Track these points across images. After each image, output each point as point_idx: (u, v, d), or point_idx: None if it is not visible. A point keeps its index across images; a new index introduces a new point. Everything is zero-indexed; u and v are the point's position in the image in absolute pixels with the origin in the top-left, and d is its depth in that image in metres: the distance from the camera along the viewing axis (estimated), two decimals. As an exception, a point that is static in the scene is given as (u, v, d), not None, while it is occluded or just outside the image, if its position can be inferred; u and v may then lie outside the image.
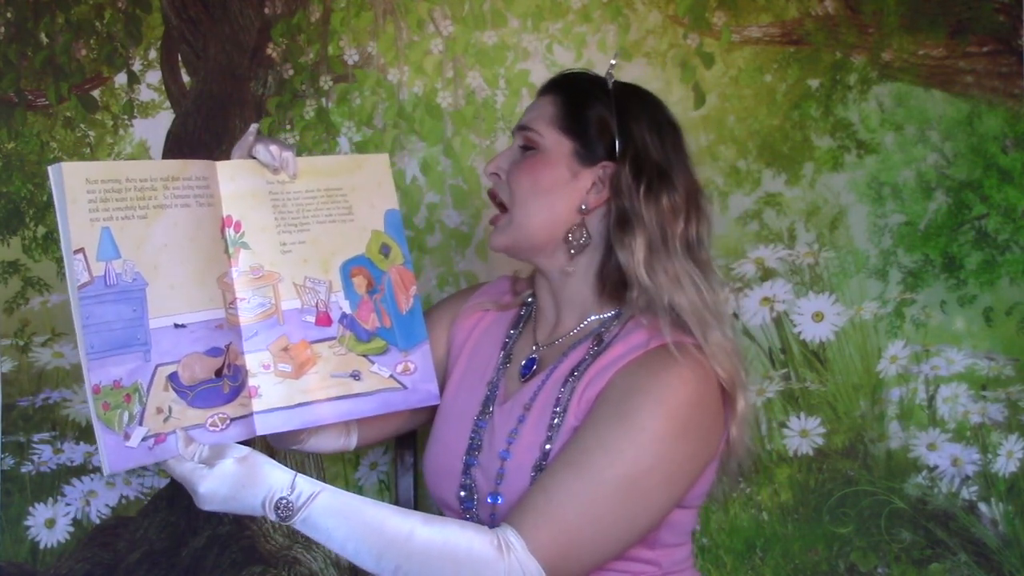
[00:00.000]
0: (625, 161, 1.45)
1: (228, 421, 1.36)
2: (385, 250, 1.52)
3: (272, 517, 1.26)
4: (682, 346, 1.37)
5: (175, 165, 1.38)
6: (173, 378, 1.32)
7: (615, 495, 1.30)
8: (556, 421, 1.41)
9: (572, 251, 1.47)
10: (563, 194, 1.46)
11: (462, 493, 1.47)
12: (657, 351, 1.38)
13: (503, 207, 1.51)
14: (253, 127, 1.44)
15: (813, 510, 2.02)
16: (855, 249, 2.01)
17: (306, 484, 1.27)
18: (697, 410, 1.35)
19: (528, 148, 1.49)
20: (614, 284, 1.47)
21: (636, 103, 1.49)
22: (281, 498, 1.25)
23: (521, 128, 1.51)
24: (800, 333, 2.02)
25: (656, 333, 1.40)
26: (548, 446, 1.39)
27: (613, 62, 1.53)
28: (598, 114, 1.47)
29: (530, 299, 1.61)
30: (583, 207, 1.46)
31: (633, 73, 1.96)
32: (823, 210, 2.01)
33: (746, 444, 1.45)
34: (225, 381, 1.36)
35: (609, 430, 1.32)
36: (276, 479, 1.26)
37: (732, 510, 2.02)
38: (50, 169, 1.28)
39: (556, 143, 1.47)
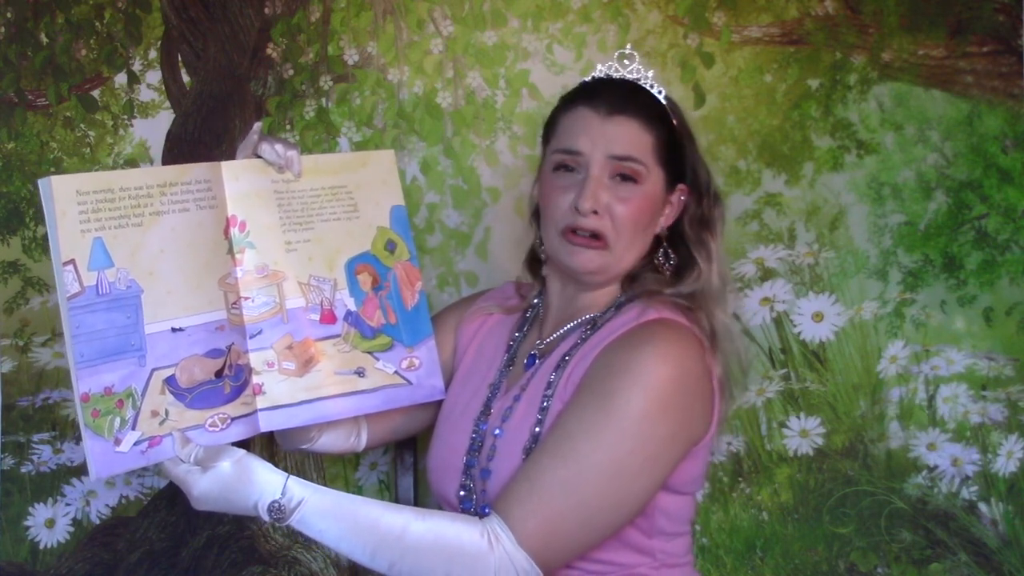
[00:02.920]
0: (690, 182, 1.53)
1: (229, 420, 1.36)
2: (391, 246, 1.52)
3: (265, 519, 1.29)
4: (665, 322, 1.41)
5: (173, 171, 1.39)
6: (170, 381, 1.34)
7: (599, 480, 1.32)
8: (546, 404, 1.43)
9: (669, 272, 1.52)
10: (654, 224, 1.51)
11: (462, 492, 1.48)
12: (640, 327, 1.41)
13: (599, 238, 1.48)
14: (256, 126, 1.44)
15: (813, 510, 2.02)
16: (855, 249, 2.01)
17: (297, 487, 1.30)
18: (679, 387, 1.37)
19: (626, 178, 1.47)
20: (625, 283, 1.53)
21: (684, 121, 1.55)
22: (273, 501, 1.28)
23: (624, 159, 1.45)
24: (800, 333, 2.02)
25: (642, 309, 1.43)
26: (537, 428, 1.41)
27: (650, 73, 1.55)
28: (674, 140, 1.51)
29: (536, 300, 1.62)
30: (660, 229, 1.52)
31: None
32: (823, 210, 2.01)
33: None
34: (226, 381, 1.37)
35: (590, 414, 1.34)
36: (268, 482, 1.29)
37: (732, 510, 2.02)
38: (39, 183, 1.29)
39: (657, 177, 1.48)
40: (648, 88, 1.53)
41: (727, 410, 1.49)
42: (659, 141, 1.48)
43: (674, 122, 1.51)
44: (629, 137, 1.46)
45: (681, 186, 1.51)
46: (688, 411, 1.39)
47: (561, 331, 1.52)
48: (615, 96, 1.49)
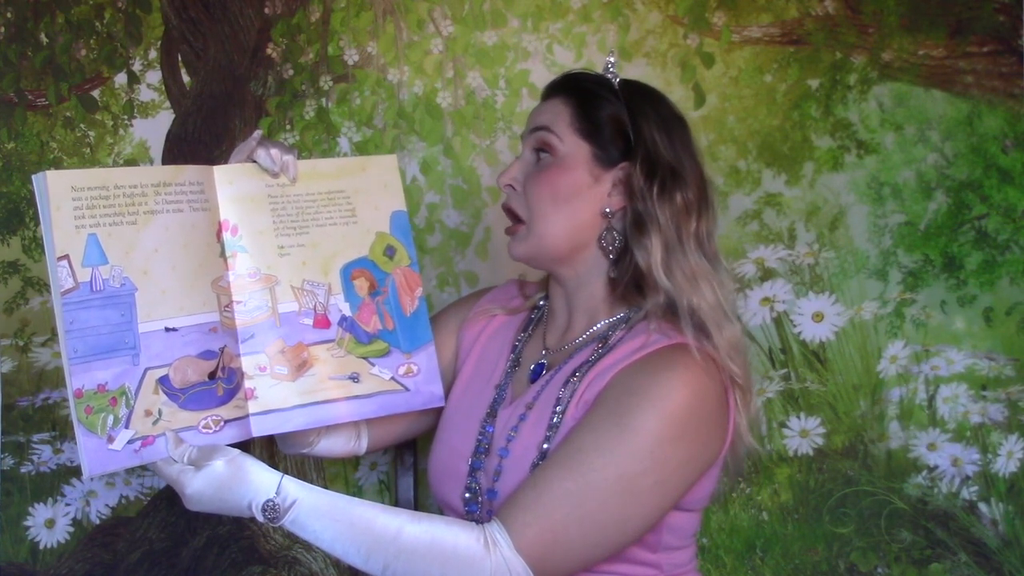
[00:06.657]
0: (637, 162, 1.44)
1: (222, 423, 1.36)
2: (390, 252, 1.51)
3: (259, 519, 1.27)
4: (685, 348, 1.37)
5: (166, 171, 1.38)
6: (163, 381, 1.33)
7: (605, 496, 1.30)
8: (555, 420, 1.40)
9: (611, 256, 1.46)
10: (585, 200, 1.45)
11: (467, 495, 1.46)
12: (659, 352, 1.37)
13: (518, 219, 1.49)
14: (257, 133, 1.43)
15: (813, 510, 2.02)
16: (855, 249, 2.01)
17: (292, 486, 1.28)
18: (696, 414, 1.34)
19: (542, 152, 1.47)
20: (626, 287, 1.46)
21: (642, 100, 1.48)
22: (267, 500, 1.27)
23: (537, 129, 1.48)
24: (800, 333, 2.02)
25: (661, 335, 1.39)
26: (546, 445, 1.39)
27: (611, 59, 1.52)
28: (610, 115, 1.46)
29: (541, 302, 1.61)
30: (607, 211, 1.45)
31: (633, 73, 1.96)
32: (823, 210, 2.01)
33: (750, 444, 1.44)
34: (219, 384, 1.36)
35: (604, 430, 1.32)
36: (263, 481, 1.27)
37: (732, 510, 2.02)
38: (34, 178, 1.29)
39: (575, 147, 1.45)
40: (602, 73, 1.51)
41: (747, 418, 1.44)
42: (577, 112, 1.46)
43: (617, 100, 1.47)
44: (549, 111, 1.49)
45: (623, 164, 1.45)
46: (703, 436, 1.37)
47: (570, 345, 1.50)
48: (557, 82, 1.53)
